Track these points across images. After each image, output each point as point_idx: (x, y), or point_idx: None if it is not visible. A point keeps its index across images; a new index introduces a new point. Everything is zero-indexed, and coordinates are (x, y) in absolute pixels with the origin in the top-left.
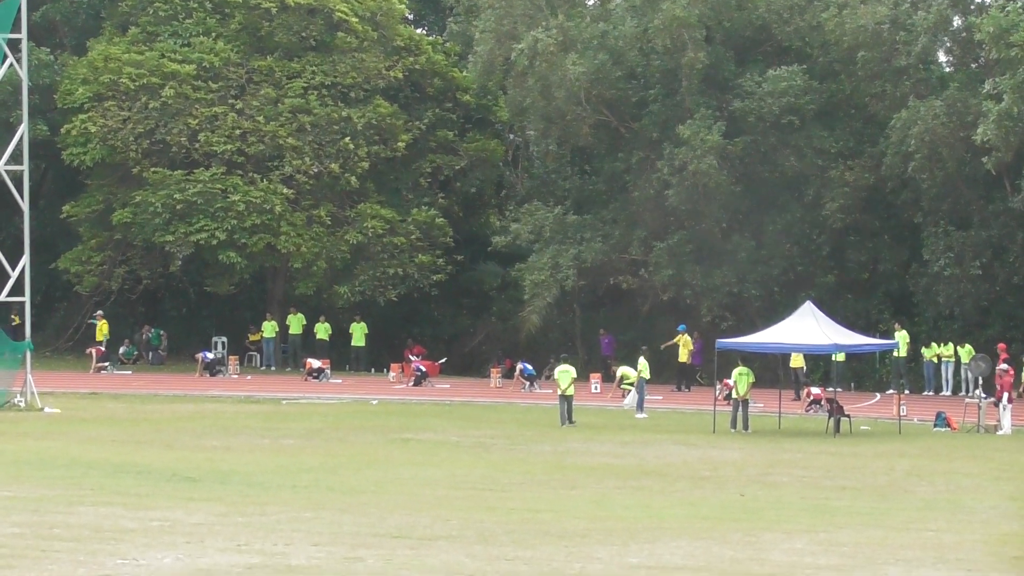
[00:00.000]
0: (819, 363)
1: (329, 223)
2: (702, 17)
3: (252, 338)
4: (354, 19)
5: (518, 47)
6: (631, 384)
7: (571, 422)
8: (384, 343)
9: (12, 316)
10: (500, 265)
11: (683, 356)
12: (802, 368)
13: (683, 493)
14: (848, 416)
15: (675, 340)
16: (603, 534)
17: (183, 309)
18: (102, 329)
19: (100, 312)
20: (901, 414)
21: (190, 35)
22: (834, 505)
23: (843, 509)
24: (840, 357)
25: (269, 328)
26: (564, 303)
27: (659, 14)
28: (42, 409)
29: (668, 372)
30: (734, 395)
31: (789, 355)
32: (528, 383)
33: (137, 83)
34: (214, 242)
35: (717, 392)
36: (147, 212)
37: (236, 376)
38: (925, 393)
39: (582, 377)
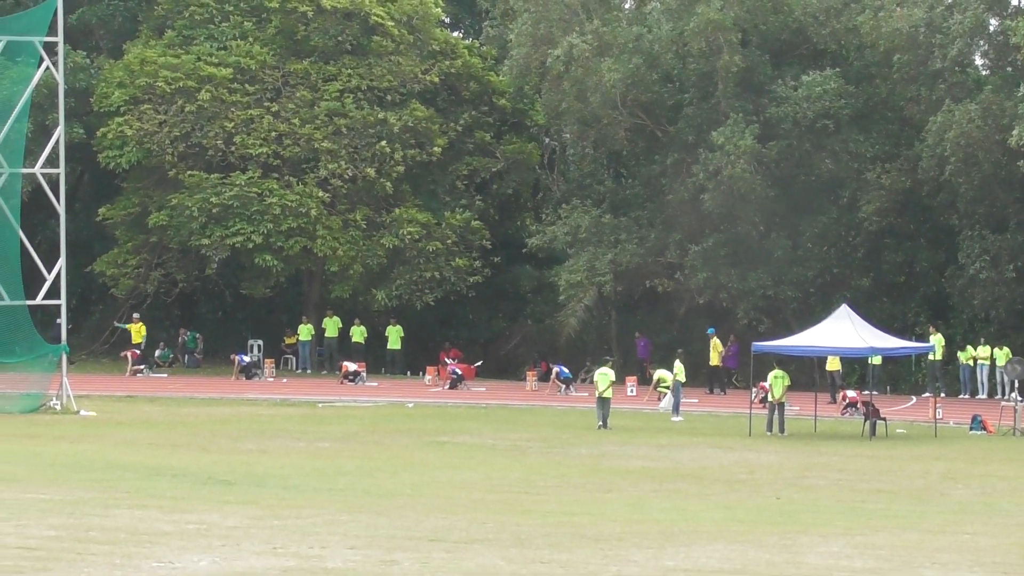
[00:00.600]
0: (855, 366)
1: (365, 227)
2: (737, 20)
3: (288, 341)
4: (390, 23)
5: (554, 52)
6: (667, 387)
7: (604, 427)
8: (420, 346)
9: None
10: (535, 268)
11: (714, 359)
12: (838, 371)
13: (719, 496)
14: (884, 419)
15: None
16: (639, 537)
17: (219, 312)
18: (140, 331)
19: (137, 315)
20: (937, 417)
21: (226, 39)
22: (870, 508)
23: (879, 512)
24: (876, 360)
25: (305, 331)
26: (600, 306)
27: (695, 17)
28: (78, 412)
29: (703, 376)
30: (770, 398)
31: (825, 358)
32: (564, 386)
33: (173, 86)
34: (250, 245)
35: (753, 395)
36: (183, 215)
37: (272, 379)
38: (961, 396)
39: (618, 380)
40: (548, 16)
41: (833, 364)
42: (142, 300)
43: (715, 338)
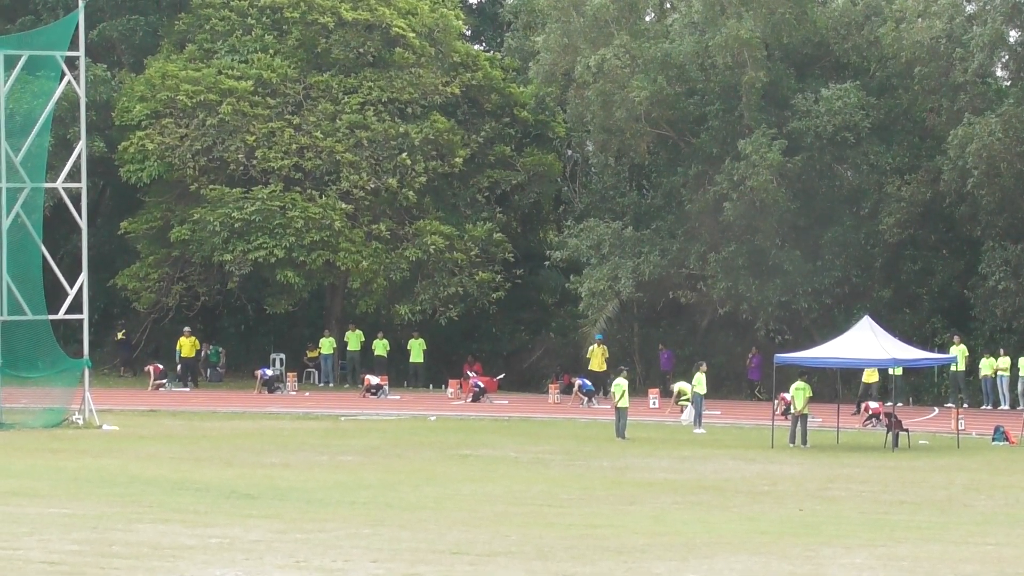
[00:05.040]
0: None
1: (388, 238)
2: (762, 34)
3: (310, 355)
4: (411, 35)
5: (585, 63)
6: (688, 400)
7: (622, 437)
8: (442, 359)
9: (118, 334)
10: (558, 281)
11: (594, 365)
12: (876, 383)
13: (742, 508)
14: (907, 430)
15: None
16: (662, 549)
17: (241, 326)
18: (194, 345)
19: (187, 329)
20: (959, 428)
21: (248, 52)
22: (893, 519)
23: (902, 523)
24: (898, 371)
25: (327, 345)
26: (623, 318)
27: (721, 30)
28: (100, 427)
29: (726, 388)
30: (792, 410)
31: (847, 369)
32: (586, 399)
33: (194, 100)
34: (272, 260)
35: (775, 407)
36: (205, 229)
37: (294, 393)
38: (983, 407)
39: (641, 392)
40: (572, 28)
41: (871, 376)
42: (164, 314)
43: (603, 345)
